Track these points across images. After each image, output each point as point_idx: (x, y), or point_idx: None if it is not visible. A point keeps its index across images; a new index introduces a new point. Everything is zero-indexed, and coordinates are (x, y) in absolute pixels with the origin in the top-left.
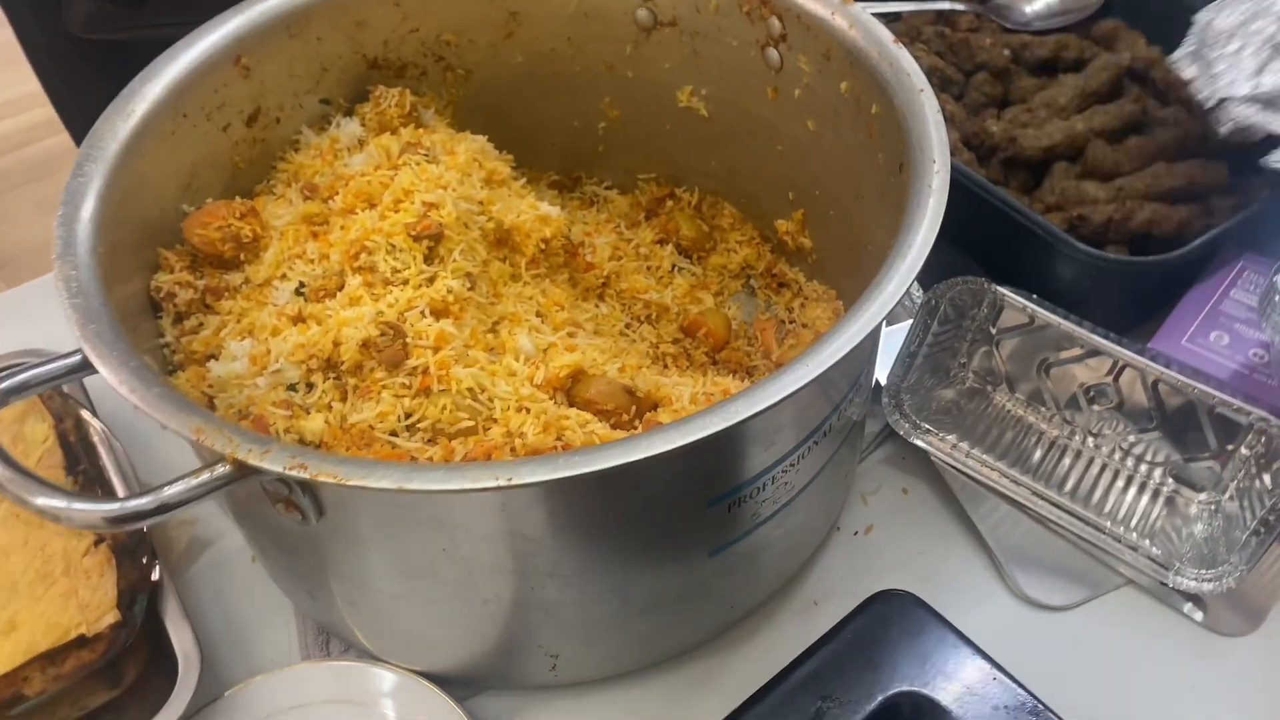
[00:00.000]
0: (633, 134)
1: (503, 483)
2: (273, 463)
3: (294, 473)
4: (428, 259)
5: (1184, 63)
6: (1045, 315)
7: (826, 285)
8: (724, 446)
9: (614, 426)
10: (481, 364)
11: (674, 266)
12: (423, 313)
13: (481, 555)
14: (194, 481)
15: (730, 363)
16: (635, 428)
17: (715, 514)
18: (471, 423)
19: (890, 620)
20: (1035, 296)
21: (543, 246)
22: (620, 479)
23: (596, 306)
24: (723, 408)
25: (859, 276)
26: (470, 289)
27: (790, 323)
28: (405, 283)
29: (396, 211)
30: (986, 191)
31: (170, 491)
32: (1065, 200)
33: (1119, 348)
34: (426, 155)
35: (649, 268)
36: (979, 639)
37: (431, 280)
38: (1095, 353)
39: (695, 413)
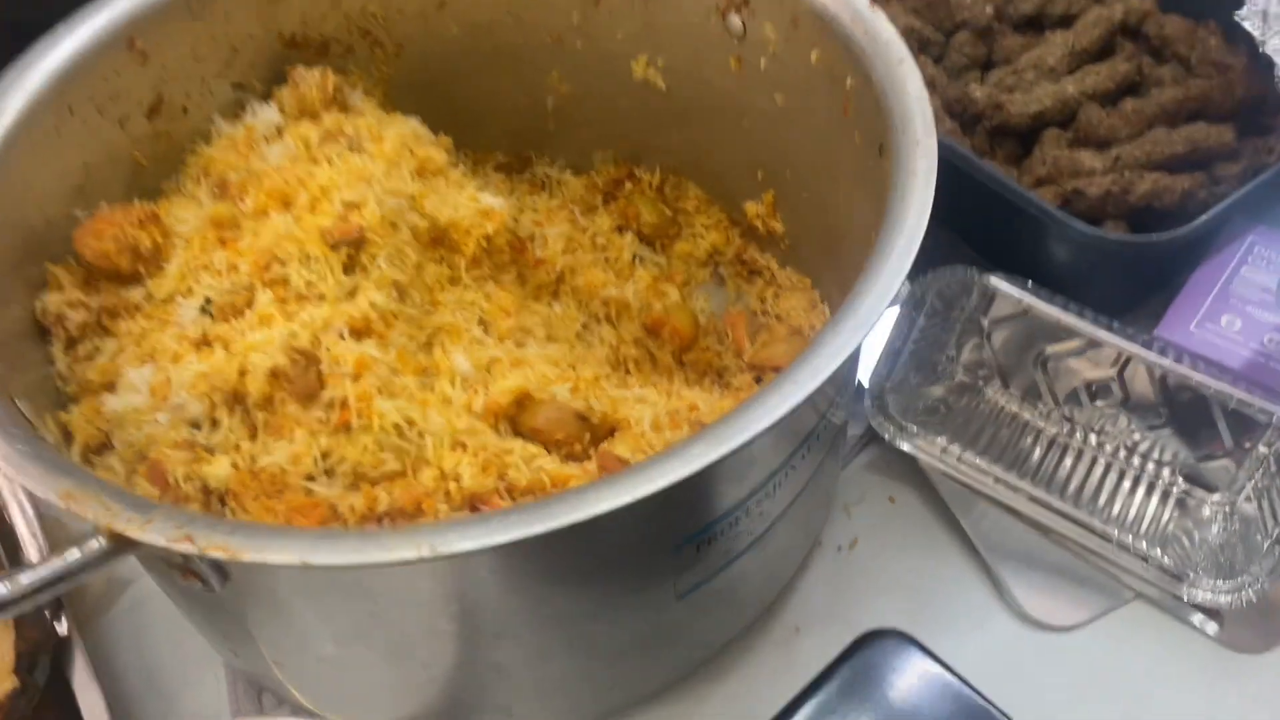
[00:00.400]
0: (585, 110)
1: (425, 553)
2: (155, 534)
3: (179, 547)
4: (348, 269)
5: (1250, 18)
6: (1042, 306)
7: (801, 273)
8: (690, 488)
9: (566, 458)
10: (410, 392)
11: (635, 257)
12: (341, 334)
13: (413, 621)
14: (58, 564)
15: (699, 364)
16: (589, 457)
17: (683, 556)
18: (398, 465)
19: (881, 665)
20: (1030, 284)
21: (485, 244)
22: (569, 535)
23: (549, 307)
24: (685, 451)
25: (836, 265)
26: (399, 300)
27: (763, 314)
28: (321, 298)
29: (313, 213)
30: (971, 165)
31: (27, 580)
32: (1058, 172)
33: (1123, 340)
34: (349, 144)
35: (607, 260)
36: (977, 667)
37: (352, 294)
38: (1097, 344)
39: (653, 456)
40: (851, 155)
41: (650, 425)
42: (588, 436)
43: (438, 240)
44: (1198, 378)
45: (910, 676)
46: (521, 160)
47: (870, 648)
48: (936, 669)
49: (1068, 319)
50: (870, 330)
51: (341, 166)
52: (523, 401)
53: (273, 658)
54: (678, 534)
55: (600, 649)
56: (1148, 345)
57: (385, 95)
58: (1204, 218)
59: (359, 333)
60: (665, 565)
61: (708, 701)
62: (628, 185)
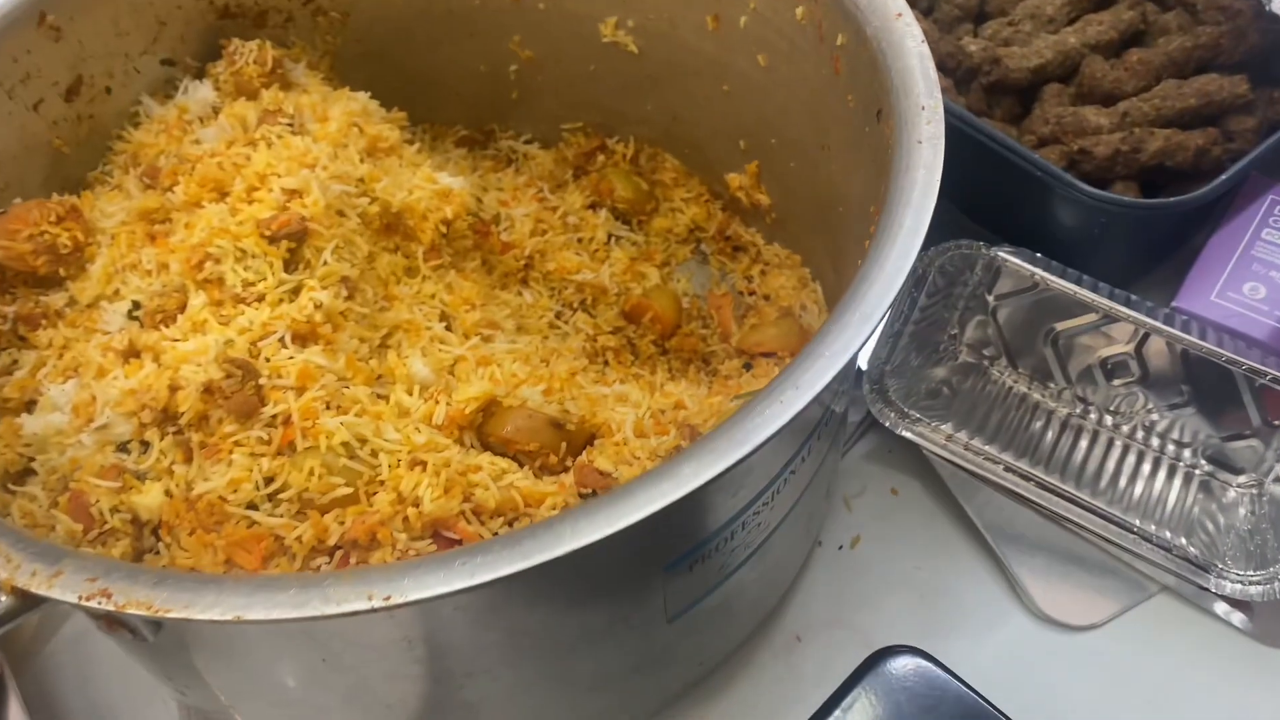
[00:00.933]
0: (552, 77)
1: (377, 604)
2: (65, 590)
3: (94, 604)
4: (289, 265)
5: None
6: (1053, 280)
7: (789, 249)
8: (682, 509)
9: (539, 471)
10: (362, 405)
11: (610, 236)
12: (283, 340)
13: (371, 666)
14: None
15: (683, 350)
16: (566, 469)
17: (674, 577)
18: (349, 489)
19: (895, 687)
20: (1040, 256)
21: (444, 229)
22: (543, 568)
23: (519, 295)
24: (675, 470)
25: (829, 240)
26: (348, 297)
27: (750, 294)
28: (261, 299)
29: (250, 203)
30: (969, 126)
31: None
32: (1062, 131)
33: (1141, 315)
34: (290, 124)
35: (580, 241)
36: (993, 673)
37: (294, 294)
38: (1112, 319)
39: (639, 478)
40: (844, 120)
41: (633, 430)
42: (564, 446)
43: (391, 227)
44: (1223, 353)
45: (926, 697)
46: (484, 134)
47: (882, 666)
48: (955, 687)
49: (1082, 293)
50: (881, 321)
51: (281, 150)
52: (490, 409)
53: (225, 699)
54: (668, 555)
55: (584, 680)
56: (1168, 320)
57: (331, 68)
58: (1223, 177)
59: (303, 338)
60: (654, 588)
61: (708, 718)
62: (600, 158)
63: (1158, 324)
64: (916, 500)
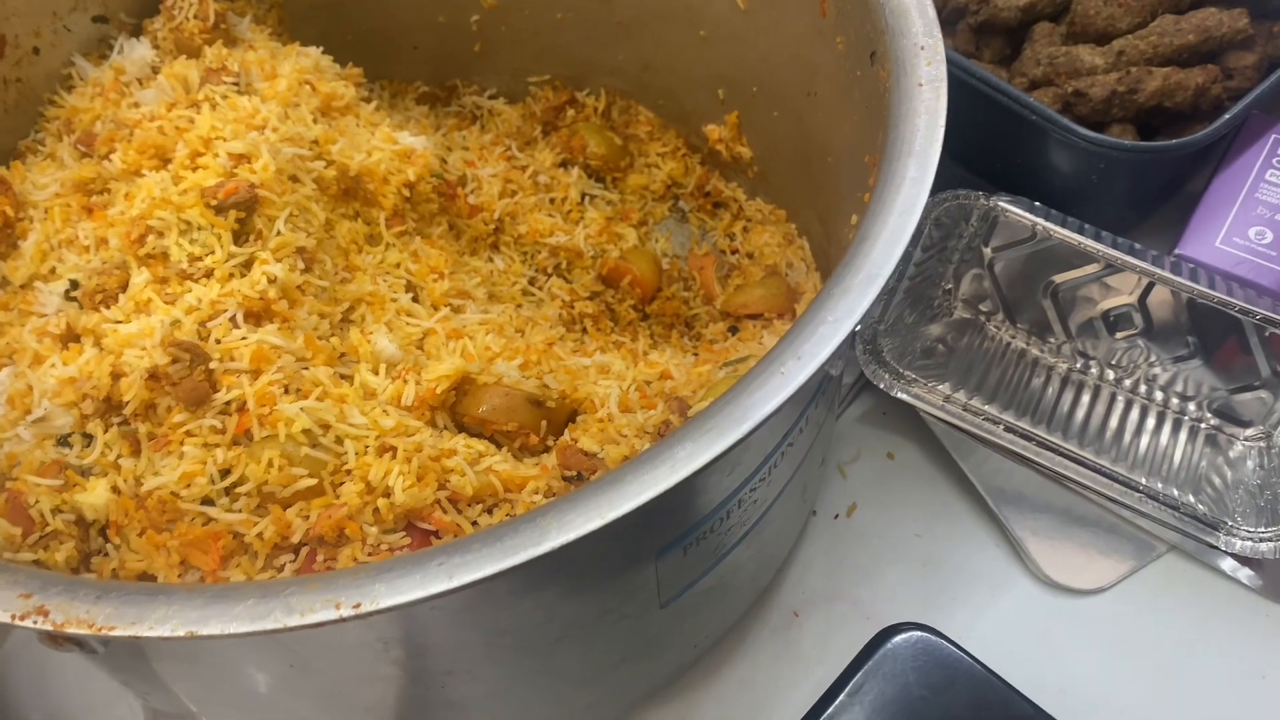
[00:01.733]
0: (516, 27)
1: (345, 613)
2: None
3: (30, 624)
4: (239, 236)
5: None
6: (1055, 230)
7: (773, 204)
8: (676, 493)
9: (519, 452)
10: (324, 388)
11: (584, 196)
12: (234, 319)
13: (345, 668)
14: None
15: (665, 315)
16: (548, 449)
17: (667, 562)
18: (313, 480)
19: (903, 667)
20: (1039, 205)
21: (407, 193)
22: (527, 567)
23: (490, 261)
24: (669, 453)
25: (815, 194)
26: (305, 269)
27: (733, 253)
28: (209, 275)
29: (194, 170)
30: (958, 68)
31: None
32: (1055, 71)
33: (1144, 263)
34: (236, 84)
35: (552, 201)
36: (999, 643)
37: (246, 267)
38: (1114, 268)
39: (630, 462)
40: (832, 64)
41: (618, 405)
42: (544, 424)
43: (350, 192)
44: (1234, 302)
45: (936, 675)
46: (446, 90)
47: (888, 645)
48: (966, 663)
49: (1086, 243)
50: (885, 282)
51: (227, 111)
52: (463, 387)
53: (192, 705)
54: (660, 541)
55: (573, 673)
56: (1174, 268)
57: (280, 22)
58: (1224, 118)
59: (256, 316)
60: (645, 576)
61: (704, 702)
62: (570, 113)
63: (1164, 273)
64: (914, 464)
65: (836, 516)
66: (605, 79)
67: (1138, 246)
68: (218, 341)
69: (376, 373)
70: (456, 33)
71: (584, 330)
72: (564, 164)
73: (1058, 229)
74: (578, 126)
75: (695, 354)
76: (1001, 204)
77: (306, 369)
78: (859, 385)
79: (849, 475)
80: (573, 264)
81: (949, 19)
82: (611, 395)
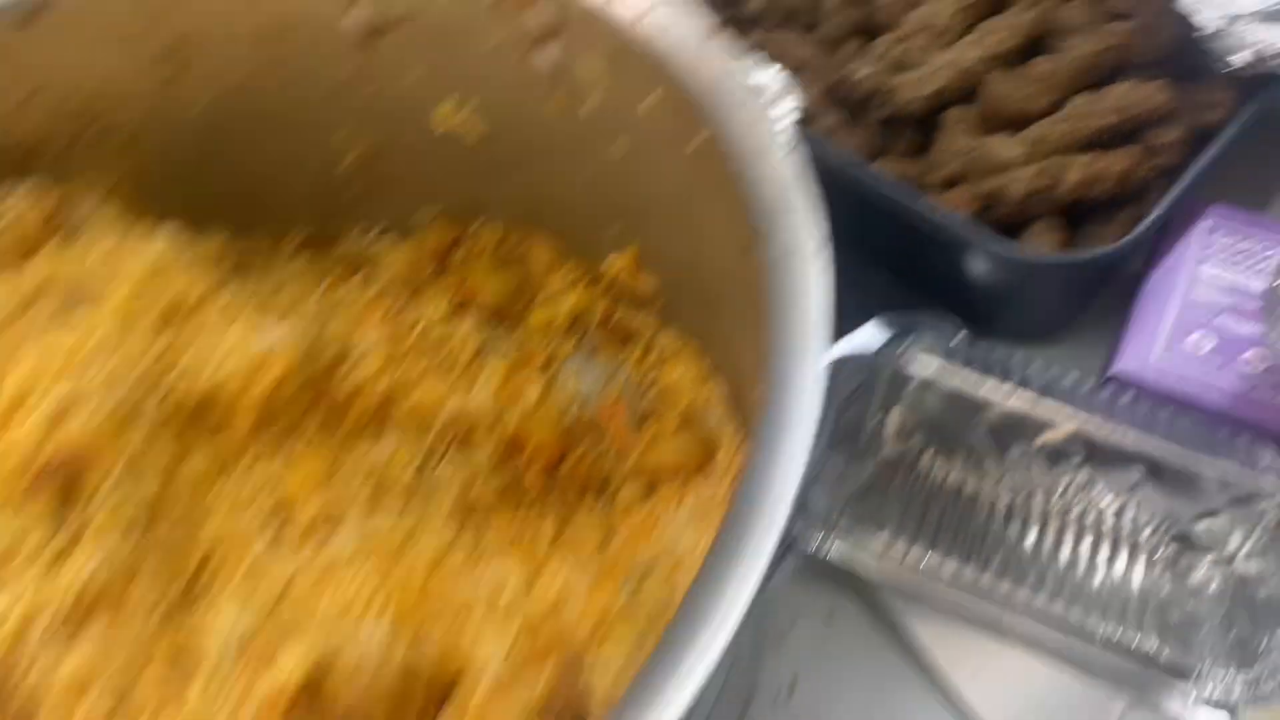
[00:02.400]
0: (394, 164)
1: None
2: None
3: None
4: (61, 507)
5: None
6: (963, 376)
7: (684, 335)
8: None
9: None
10: (150, 710)
11: (479, 348)
12: (53, 629)
13: None
14: None
15: (575, 478)
16: None
17: None
18: None
19: None
20: (958, 338)
21: (270, 399)
22: None
23: (374, 445)
24: None
25: (719, 330)
26: (148, 528)
27: (648, 391)
28: (20, 574)
29: (9, 428)
30: (863, 178)
31: None
32: (970, 169)
33: (1076, 407)
34: (68, 299)
35: (444, 362)
36: None
37: (68, 552)
38: (1045, 397)
39: None
40: (723, 206)
41: (502, 669)
42: (422, 699)
43: (201, 412)
44: (1177, 448)
45: None
46: (328, 234)
47: None
48: None
49: (1002, 390)
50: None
51: (54, 343)
52: (313, 687)
53: None
54: None
55: None
56: (1107, 405)
57: (136, 188)
58: (1153, 215)
59: (80, 617)
60: None
61: None
62: (460, 251)
63: (1096, 418)
64: (853, 626)
65: (778, 694)
66: (499, 208)
67: (1068, 379)
68: (32, 659)
69: (213, 676)
70: (331, 176)
71: (485, 520)
72: (460, 307)
73: (967, 386)
74: (470, 266)
75: (601, 547)
76: (905, 343)
77: (133, 688)
78: (788, 542)
79: (787, 644)
80: (469, 436)
81: (855, 109)
82: (493, 659)
